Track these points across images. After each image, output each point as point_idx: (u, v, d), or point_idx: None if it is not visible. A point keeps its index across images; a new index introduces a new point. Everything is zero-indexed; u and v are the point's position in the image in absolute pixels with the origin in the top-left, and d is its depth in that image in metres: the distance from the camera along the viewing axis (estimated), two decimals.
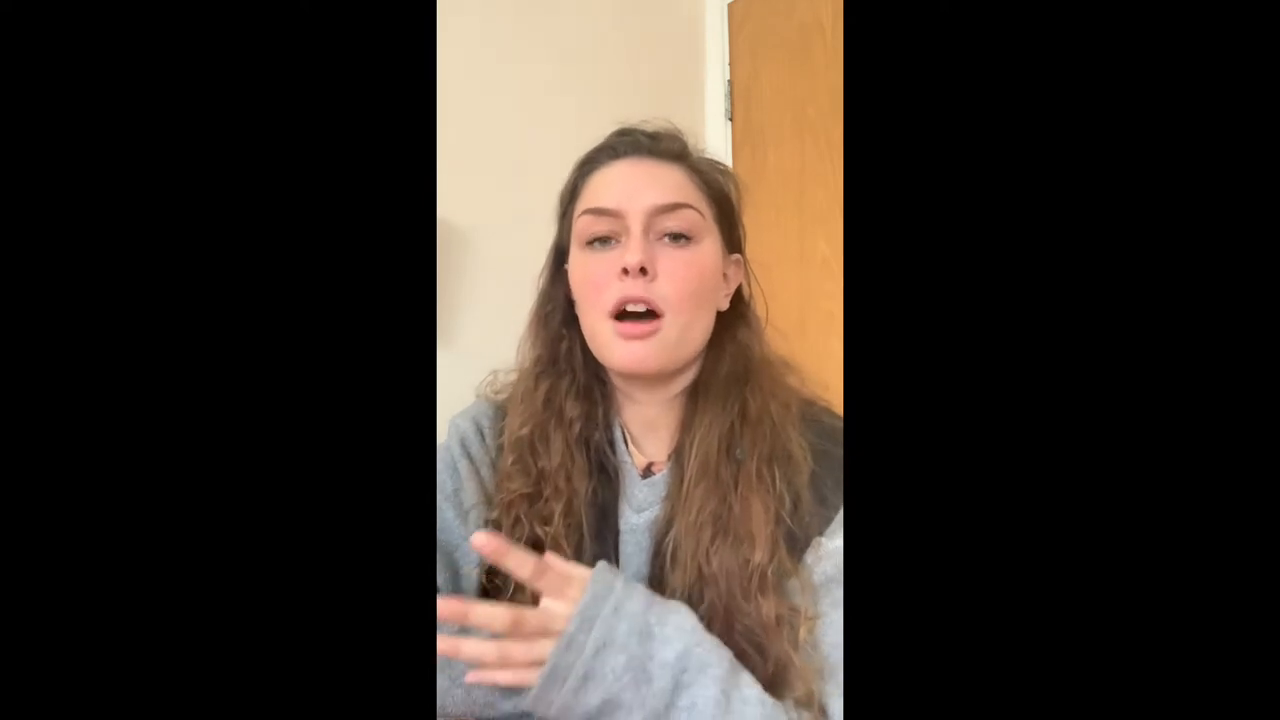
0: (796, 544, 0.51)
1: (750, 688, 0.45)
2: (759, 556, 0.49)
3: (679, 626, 0.45)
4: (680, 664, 0.43)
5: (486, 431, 0.60)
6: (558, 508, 0.53)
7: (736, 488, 0.52)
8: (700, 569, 0.50)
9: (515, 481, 0.55)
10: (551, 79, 1.11)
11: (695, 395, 0.57)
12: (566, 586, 0.45)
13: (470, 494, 0.56)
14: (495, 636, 0.43)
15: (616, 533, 0.55)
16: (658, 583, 0.51)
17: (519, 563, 0.44)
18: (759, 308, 0.62)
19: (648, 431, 0.59)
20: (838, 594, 0.49)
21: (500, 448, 0.58)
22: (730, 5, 1.42)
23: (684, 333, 0.53)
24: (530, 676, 0.43)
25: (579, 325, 0.58)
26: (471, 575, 0.54)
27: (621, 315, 0.52)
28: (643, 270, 0.51)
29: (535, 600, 0.45)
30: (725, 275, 0.58)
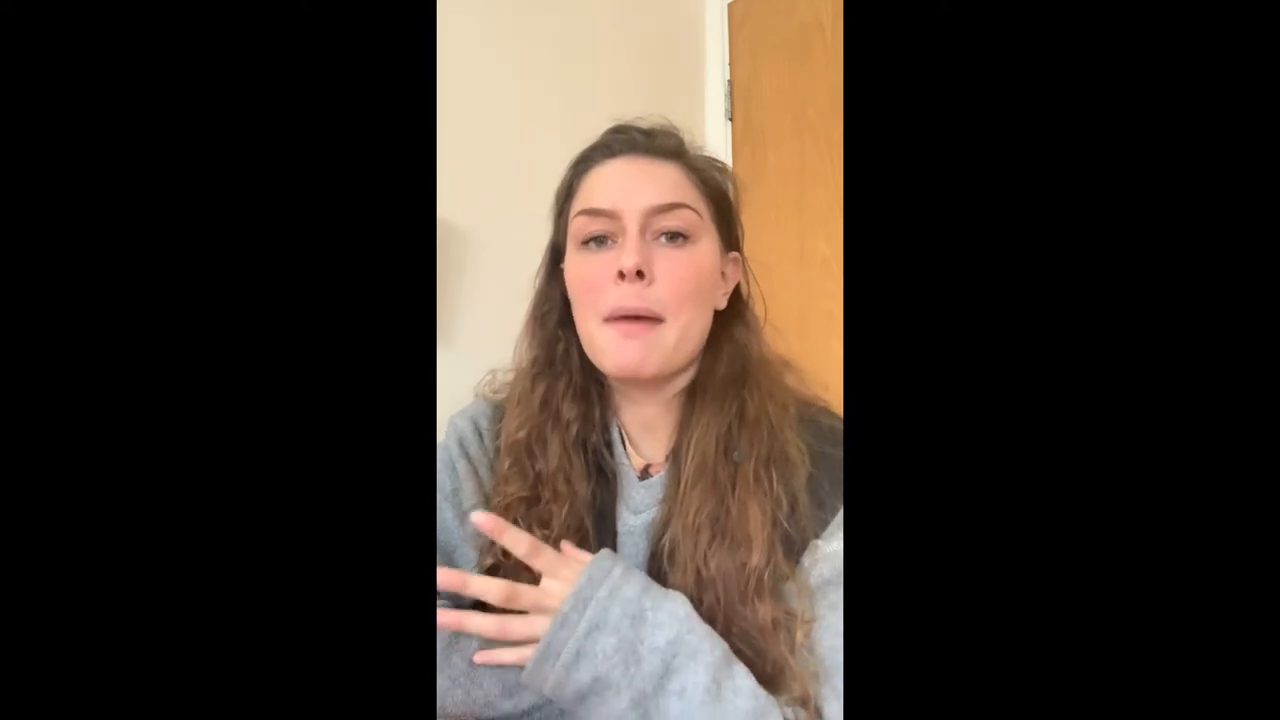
0: (794, 547, 0.51)
1: (744, 678, 0.45)
2: (756, 560, 0.49)
3: (672, 613, 0.45)
4: (671, 649, 0.44)
5: (485, 431, 0.60)
6: (556, 511, 0.53)
7: (734, 490, 0.51)
8: (698, 571, 0.50)
9: (513, 485, 0.55)
10: (551, 79, 1.11)
11: (693, 396, 0.57)
12: (564, 567, 0.47)
13: (469, 494, 0.56)
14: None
15: (614, 535, 0.55)
16: None
17: (515, 540, 0.46)
18: (757, 307, 0.62)
19: (646, 432, 0.59)
20: (834, 597, 0.49)
21: (499, 449, 0.58)
22: (730, 5, 1.42)
23: (682, 334, 0.53)
24: (529, 654, 0.44)
25: (575, 325, 0.57)
26: None
27: (618, 318, 0.52)
28: (639, 274, 0.51)
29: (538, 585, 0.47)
30: (723, 274, 0.58)
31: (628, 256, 0.51)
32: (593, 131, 0.59)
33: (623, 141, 0.56)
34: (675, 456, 0.55)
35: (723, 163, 0.60)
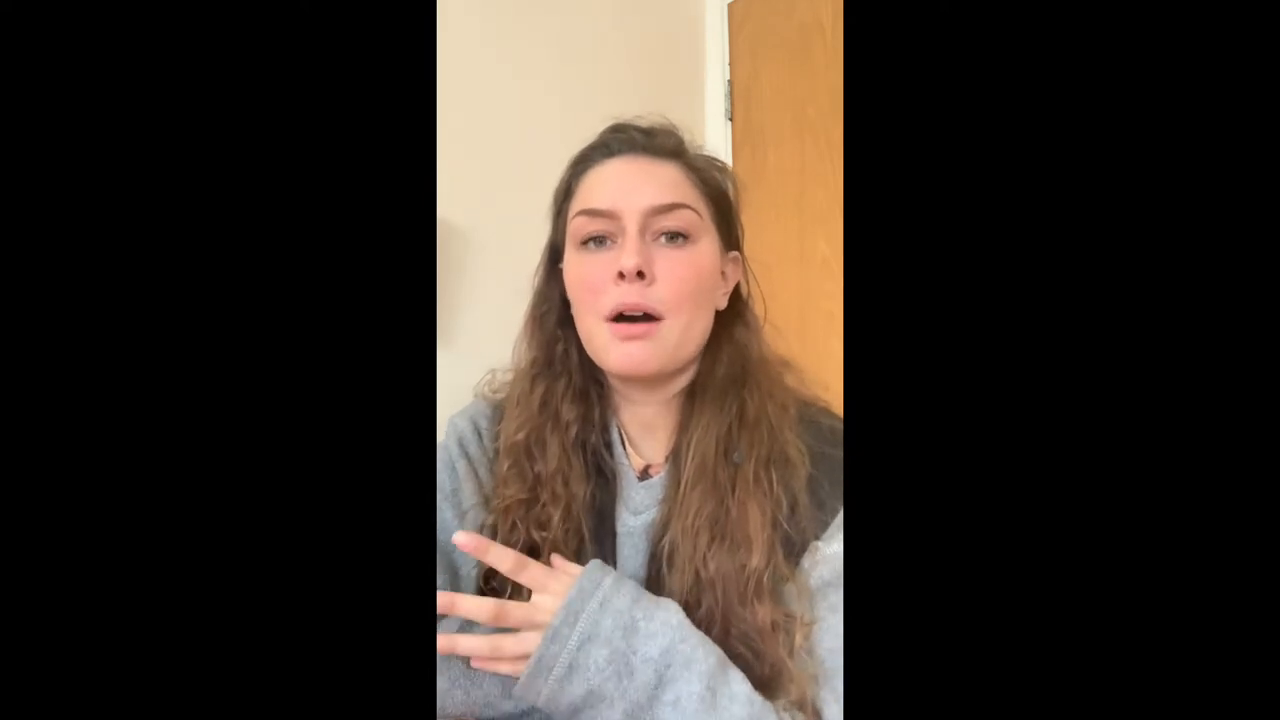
0: (793, 548, 0.50)
1: (739, 685, 0.45)
2: (755, 561, 0.49)
3: (665, 622, 0.45)
4: (664, 659, 0.44)
5: (484, 431, 0.60)
6: (555, 513, 0.53)
7: (734, 491, 0.51)
8: (698, 573, 0.50)
9: (512, 487, 0.55)
10: (551, 79, 1.11)
11: (693, 396, 0.56)
12: (554, 581, 0.46)
13: (468, 494, 0.56)
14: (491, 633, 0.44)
15: (614, 536, 0.55)
16: (655, 586, 0.51)
17: (500, 557, 0.46)
18: (757, 306, 0.61)
19: (645, 433, 0.59)
20: (834, 599, 0.49)
21: (498, 449, 0.58)
22: (730, 5, 1.42)
23: (683, 334, 0.53)
24: (523, 668, 0.44)
25: (575, 326, 0.57)
26: (470, 576, 0.54)
27: (619, 317, 0.52)
28: (639, 274, 0.51)
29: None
30: (723, 274, 0.58)
31: (628, 257, 0.50)
32: (592, 131, 0.58)
33: (622, 141, 0.55)
34: (675, 457, 0.55)
35: (723, 162, 0.60)
